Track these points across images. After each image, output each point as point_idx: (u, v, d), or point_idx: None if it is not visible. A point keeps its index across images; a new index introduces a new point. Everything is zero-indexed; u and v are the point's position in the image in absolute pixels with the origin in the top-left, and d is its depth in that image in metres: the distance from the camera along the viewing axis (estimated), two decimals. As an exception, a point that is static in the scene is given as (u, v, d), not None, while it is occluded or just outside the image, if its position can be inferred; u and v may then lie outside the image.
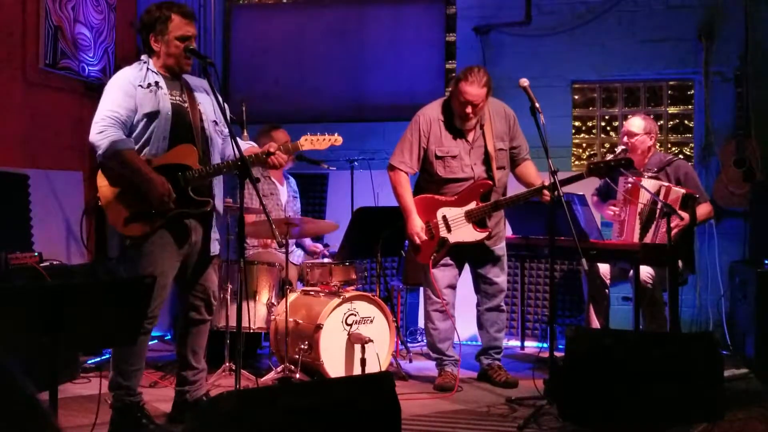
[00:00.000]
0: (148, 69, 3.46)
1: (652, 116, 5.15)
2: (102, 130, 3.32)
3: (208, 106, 3.60)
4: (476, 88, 4.15)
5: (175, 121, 3.43)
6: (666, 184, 4.61)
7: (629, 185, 4.68)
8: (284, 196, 5.23)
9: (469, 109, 4.20)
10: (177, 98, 3.48)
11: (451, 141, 4.35)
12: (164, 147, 3.41)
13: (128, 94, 3.38)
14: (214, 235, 3.66)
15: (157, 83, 3.43)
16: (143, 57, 3.52)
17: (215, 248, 3.68)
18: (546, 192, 4.03)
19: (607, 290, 4.82)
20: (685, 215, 4.47)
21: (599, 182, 5.03)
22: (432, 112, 4.41)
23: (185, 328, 3.65)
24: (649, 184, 4.60)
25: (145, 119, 3.39)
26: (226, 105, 3.53)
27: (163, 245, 3.41)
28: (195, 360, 3.65)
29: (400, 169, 4.39)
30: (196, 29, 3.53)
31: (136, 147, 3.38)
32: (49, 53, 5.29)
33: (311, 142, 3.73)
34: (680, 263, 4.52)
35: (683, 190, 4.53)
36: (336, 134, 3.77)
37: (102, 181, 3.40)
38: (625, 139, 4.82)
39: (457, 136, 4.35)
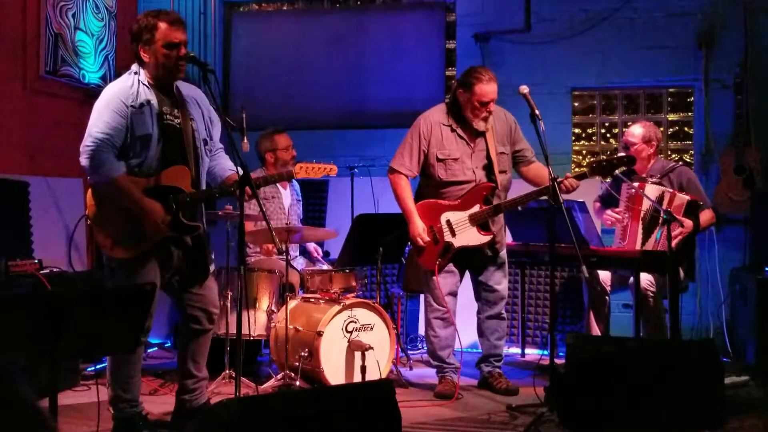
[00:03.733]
0: (139, 82, 3.35)
1: (652, 123, 5.14)
2: (92, 155, 3.23)
3: (200, 122, 3.52)
4: (493, 85, 4.24)
5: (167, 142, 3.36)
6: (670, 190, 4.60)
7: (632, 191, 4.67)
8: (287, 199, 5.24)
9: (491, 107, 4.27)
10: (169, 116, 3.39)
11: (453, 144, 4.36)
12: (156, 167, 3.35)
13: (119, 114, 3.27)
14: (210, 253, 3.64)
15: (149, 102, 3.33)
16: (134, 67, 3.41)
17: (212, 267, 3.68)
18: (564, 181, 4.06)
19: (607, 297, 4.81)
20: (687, 222, 4.47)
21: (601, 189, 5.04)
22: (433, 116, 4.42)
23: (187, 339, 3.62)
24: (653, 190, 4.59)
25: (137, 141, 3.30)
26: (216, 119, 3.53)
27: (148, 267, 3.36)
28: (196, 369, 3.64)
29: (400, 171, 4.40)
30: (185, 35, 3.38)
31: (128, 167, 3.30)
32: (50, 60, 5.30)
33: (306, 170, 3.78)
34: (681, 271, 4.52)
35: (688, 197, 4.52)
36: (331, 163, 3.87)
37: (91, 201, 3.37)
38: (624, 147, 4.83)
39: (460, 140, 4.36)
